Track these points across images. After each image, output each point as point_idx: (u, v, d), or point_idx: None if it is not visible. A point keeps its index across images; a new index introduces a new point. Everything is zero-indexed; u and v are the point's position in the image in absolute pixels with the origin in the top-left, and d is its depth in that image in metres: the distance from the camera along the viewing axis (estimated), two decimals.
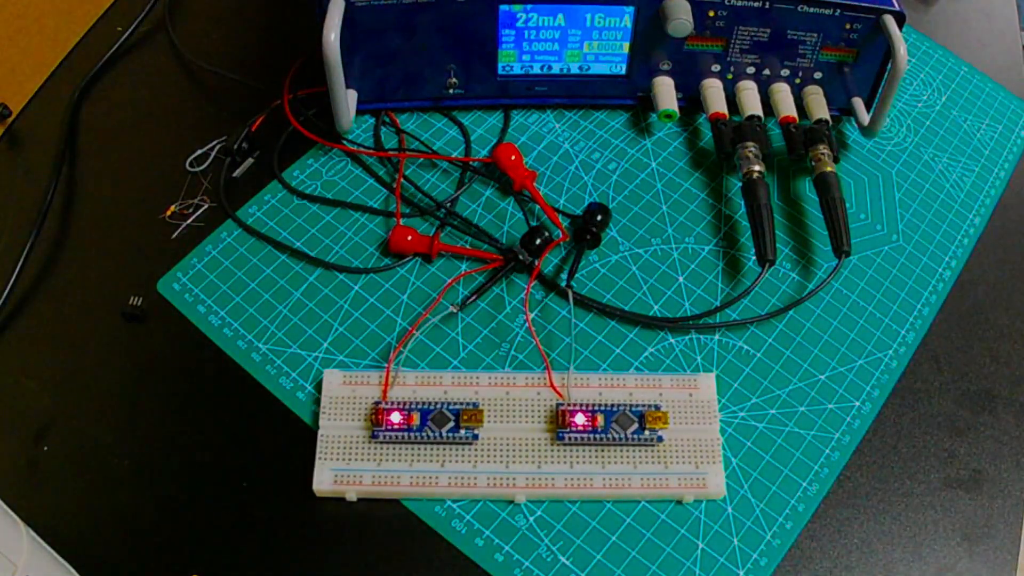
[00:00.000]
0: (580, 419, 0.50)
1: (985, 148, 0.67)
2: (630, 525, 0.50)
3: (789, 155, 0.62)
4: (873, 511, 0.51)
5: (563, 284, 0.57)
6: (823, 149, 0.60)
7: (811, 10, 0.59)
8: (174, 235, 0.60)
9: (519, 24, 0.60)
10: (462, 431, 0.50)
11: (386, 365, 0.53)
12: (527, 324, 0.56)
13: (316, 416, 0.52)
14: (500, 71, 0.63)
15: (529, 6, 0.59)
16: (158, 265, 0.58)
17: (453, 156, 0.64)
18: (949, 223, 0.63)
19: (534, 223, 0.61)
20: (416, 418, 0.50)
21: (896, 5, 0.59)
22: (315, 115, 0.65)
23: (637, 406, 0.51)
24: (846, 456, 0.52)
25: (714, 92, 0.63)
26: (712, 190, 0.63)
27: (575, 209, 0.61)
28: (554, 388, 0.52)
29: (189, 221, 0.60)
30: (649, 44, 0.62)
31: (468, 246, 0.60)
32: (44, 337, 0.56)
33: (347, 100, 0.60)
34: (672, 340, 0.56)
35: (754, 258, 0.58)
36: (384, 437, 0.50)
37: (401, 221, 0.60)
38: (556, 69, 0.63)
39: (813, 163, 0.60)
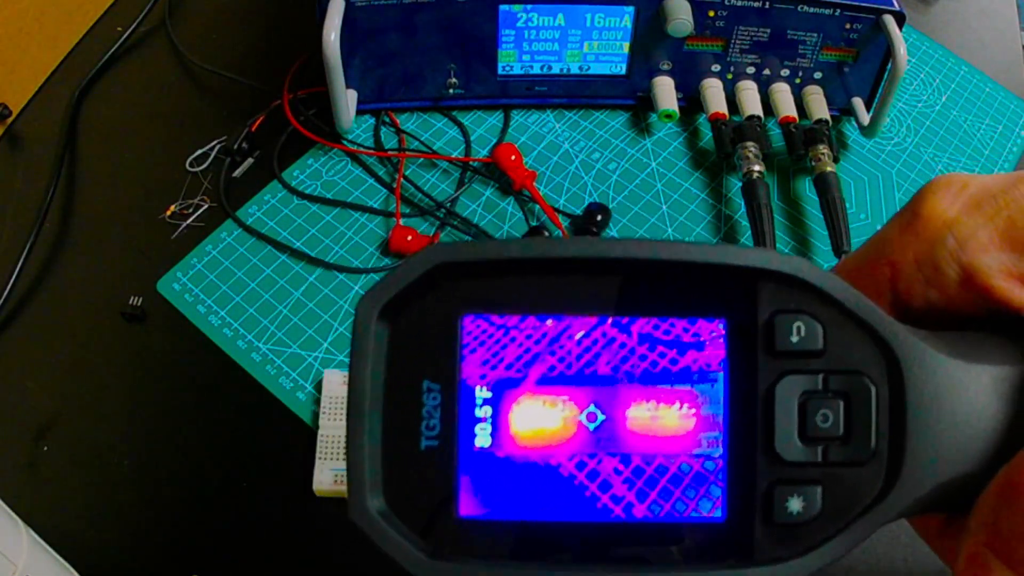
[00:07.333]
0: None
1: (985, 148, 0.67)
2: None
3: (789, 155, 0.62)
4: None
5: None
6: (823, 149, 0.60)
7: (811, 10, 0.59)
8: (174, 235, 0.60)
9: (519, 24, 0.60)
10: None
11: None
12: None
13: (316, 416, 0.52)
14: (500, 71, 0.63)
15: (529, 6, 0.59)
16: (158, 265, 0.58)
17: (453, 156, 0.64)
18: None
19: (534, 223, 0.61)
20: None
21: (896, 5, 0.59)
22: (315, 115, 0.64)
23: None
24: None
25: (714, 92, 0.63)
26: (712, 190, 0.63)
27: (575, 209, 0.61)
28: None
29: (189, 221, 0.60)
30: (649, 44, 0.62)
31: None
32: (44, 337, 0.56)
33: (347, 100, 0.60)
34: None
35: None
36: None
37: (401, 221, 0.60)
38: (556, 69, 0.63)
39: (813, 163, 0.60)
